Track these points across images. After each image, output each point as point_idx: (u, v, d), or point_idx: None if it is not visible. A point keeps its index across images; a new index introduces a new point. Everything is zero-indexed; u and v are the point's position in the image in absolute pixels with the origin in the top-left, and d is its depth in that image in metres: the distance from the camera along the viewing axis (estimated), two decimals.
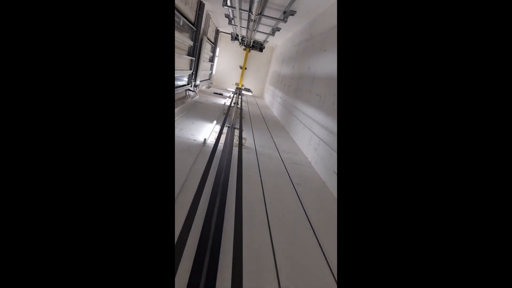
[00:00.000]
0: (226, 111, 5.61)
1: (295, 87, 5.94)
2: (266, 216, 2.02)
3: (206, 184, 2.09)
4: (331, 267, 1.61)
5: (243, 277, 1.21)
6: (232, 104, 6.63)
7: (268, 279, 1.45)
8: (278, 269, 1.50)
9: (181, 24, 5.22)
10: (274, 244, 1.70)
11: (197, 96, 7.59)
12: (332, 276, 1.56)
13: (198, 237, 1.57)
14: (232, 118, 5.16)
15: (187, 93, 6.72)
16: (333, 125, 3.23)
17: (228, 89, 11.99)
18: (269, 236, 1.79)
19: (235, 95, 8.68)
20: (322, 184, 3.07)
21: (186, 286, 1.22)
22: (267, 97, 10.68)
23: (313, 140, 3.89)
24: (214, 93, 9.56)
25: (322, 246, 1.81)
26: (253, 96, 11.48)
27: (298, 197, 2.49)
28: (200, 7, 6.36)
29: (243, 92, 10.97)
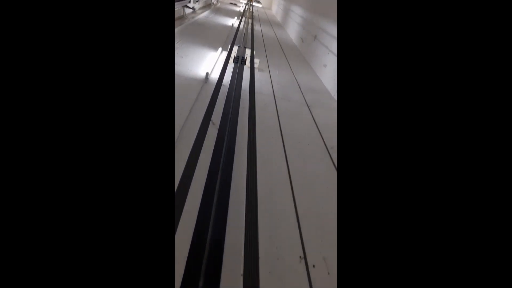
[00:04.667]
0: (241, 14, 8.09)
1: None
2: (264, 48, 4.92)
3: (237, 36, 4.92)
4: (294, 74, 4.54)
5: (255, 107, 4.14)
6: (245, 10, 8.98)
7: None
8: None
9: None
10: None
11: (219, 4, 9.90)
12: (297, 84, 4.50)
13: (227, 94, 4.48)
14: (246, 17, 7.70)
15: (212, 1, 9.06)
16: (303, 12, 5.90)
17: (241, 0, 13.75)
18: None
19: (247, 5, 10.79)
20: (293, 43, 6.06)
21: (228, 123, 4.01)
22: (274, 8, 12.64)
23: (294, 27, 6.59)
24: (230, 3, 11.64)
25: (286, 56, 4.73)
26: (262, 7, 13.36)
27: (280, 45, 5.37)
28: None
29: (254, 4, 12.84)
